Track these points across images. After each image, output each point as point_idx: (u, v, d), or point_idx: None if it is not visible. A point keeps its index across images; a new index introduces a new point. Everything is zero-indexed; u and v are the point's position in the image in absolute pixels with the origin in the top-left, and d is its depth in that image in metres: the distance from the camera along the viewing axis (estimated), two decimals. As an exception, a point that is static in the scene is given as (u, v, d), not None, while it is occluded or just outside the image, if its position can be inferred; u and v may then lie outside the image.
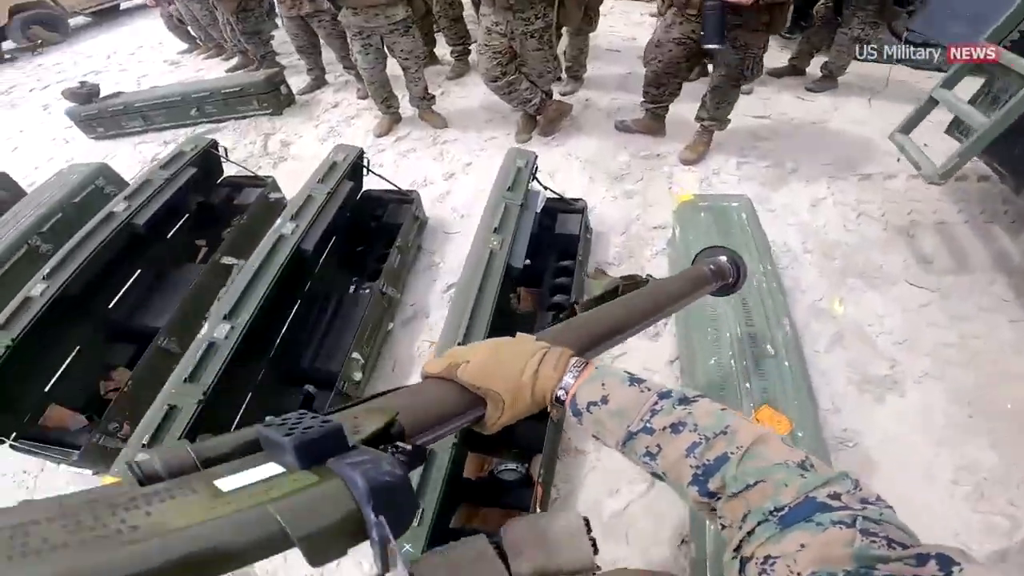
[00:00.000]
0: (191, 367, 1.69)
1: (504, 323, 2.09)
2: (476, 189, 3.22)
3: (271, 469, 0.36)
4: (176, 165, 2.71)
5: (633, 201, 3.00)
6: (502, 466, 1.76)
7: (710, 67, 3.12)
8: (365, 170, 2.78)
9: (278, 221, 2.23)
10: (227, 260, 2.62)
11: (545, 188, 2.58)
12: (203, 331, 1.81)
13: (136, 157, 4.18)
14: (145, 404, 1.69)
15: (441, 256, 2.86)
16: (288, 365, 2.23)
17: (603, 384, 0.59)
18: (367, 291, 2.56)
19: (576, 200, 2.67)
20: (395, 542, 0.32)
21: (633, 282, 0.97)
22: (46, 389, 2.06)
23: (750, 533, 0.44)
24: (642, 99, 3.29)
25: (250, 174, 3.12)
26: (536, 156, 2.42)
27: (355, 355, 2.15)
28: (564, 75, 3.86)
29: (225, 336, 1.79)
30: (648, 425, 0.55)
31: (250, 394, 2.07)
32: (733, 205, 2.24)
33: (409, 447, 0.45)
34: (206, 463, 0.38)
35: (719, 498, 0.49)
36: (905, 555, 0.36)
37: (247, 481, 0.34)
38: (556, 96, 3.67)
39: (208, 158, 2.96)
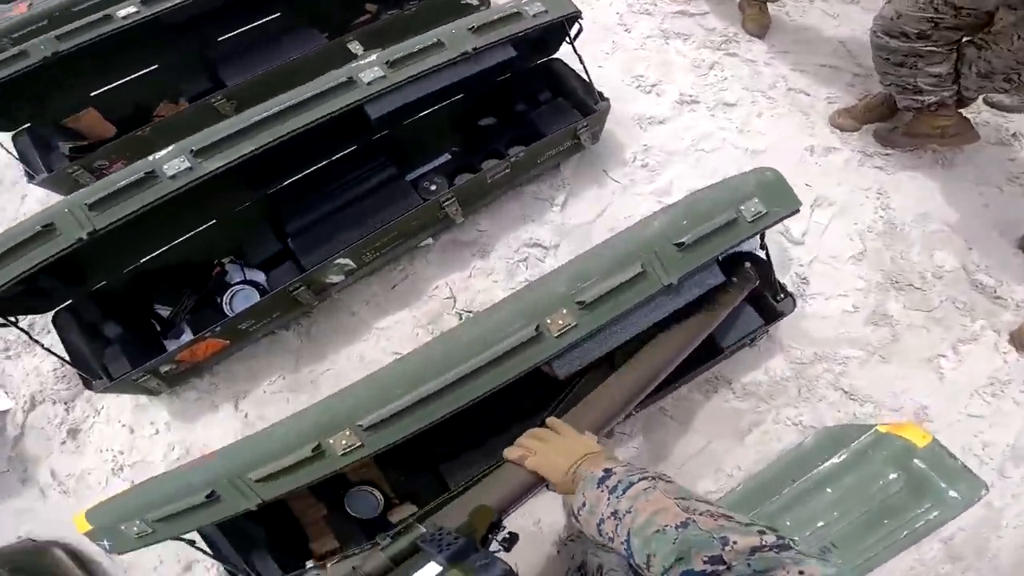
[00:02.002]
0: (107, 190, 1.23)
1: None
2: (695, 146, 2.02)
3: (434, 568, 0.64)
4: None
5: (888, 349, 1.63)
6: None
7: None
8: (568, 39, 1.77)
9: (370, 59, 1.45)
10: (353, 46, 2.00)
11: (762, 246, 1.41)
12: (159, 153, 1.29)
13: None
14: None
15: (565, 198, 1.92)
16: (279, 215, 1.72)
17: (584, 492, 0.71)
18: (433, 188, 1.83)
19: (780, 299, 1.46)
20: None
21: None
22: (92, 93, 1.83)
23: None
24: None
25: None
26: (796, 210, 1.21)
27: (342, 260, 1.56)
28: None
29: (173, 175, 1.26)
30: (603, 516, 0.66)
31: (214, 220, 1.65)
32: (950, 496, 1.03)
33: (507, 535, 0.77)
34: (395, 561, 0.74)
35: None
36: None
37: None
38: (971, 109, 1.95)
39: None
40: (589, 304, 1.08)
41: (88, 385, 1.42)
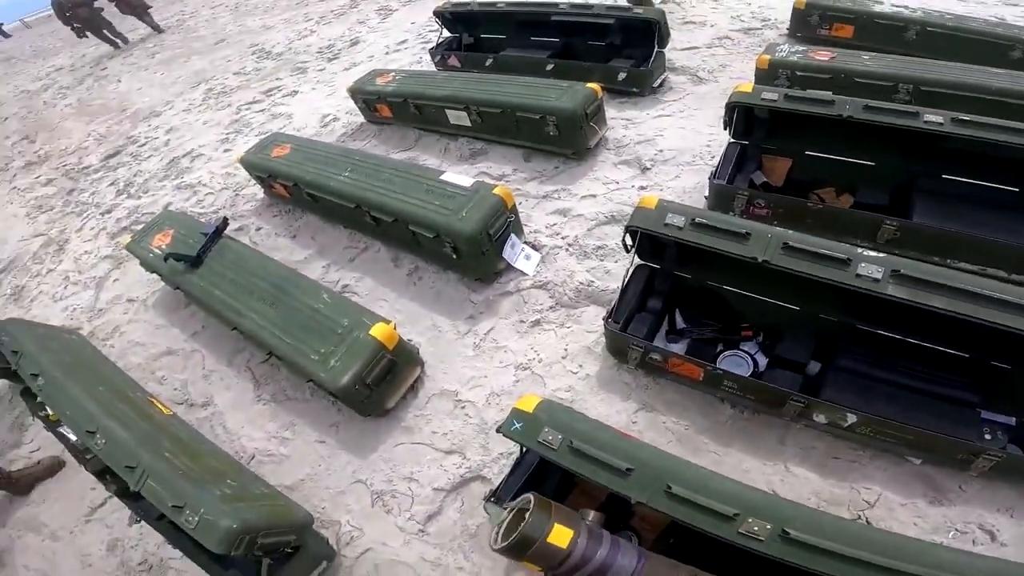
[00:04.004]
0: (803, 245, 1.37)
1: None
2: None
3: None
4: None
5: None
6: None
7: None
8: None
9: None
10: None
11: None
12: (866, 252, 1.34)
13: None
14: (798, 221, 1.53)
15: None
16: (836, 341, 1.66)
17: None
18: (988, 437, 1.54)
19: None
20: None
21: None
22: (806, 151, 2.10)
23: None
24: None
25: None
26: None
27: (851, 416, 1.46)
28: None
29: (858, 273, 1.31)
30: None
31: (798, 308, 1.73)
32: None
33: None
34: None
35: None
36: None
37: None
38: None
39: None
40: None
41: (606, 319, 1.74)
